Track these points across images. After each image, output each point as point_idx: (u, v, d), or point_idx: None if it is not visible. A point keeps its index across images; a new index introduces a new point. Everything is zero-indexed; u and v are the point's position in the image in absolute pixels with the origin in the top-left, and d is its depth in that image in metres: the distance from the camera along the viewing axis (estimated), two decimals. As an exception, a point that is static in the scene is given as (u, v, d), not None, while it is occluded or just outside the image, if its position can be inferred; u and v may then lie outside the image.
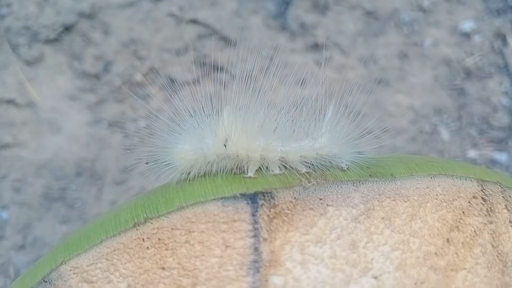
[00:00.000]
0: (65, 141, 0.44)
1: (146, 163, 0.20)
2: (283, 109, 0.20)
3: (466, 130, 0.46)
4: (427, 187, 0.18)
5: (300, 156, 0.19)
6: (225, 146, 0.19)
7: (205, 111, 0.19)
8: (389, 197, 0.18)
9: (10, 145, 0.44)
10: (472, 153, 0.45)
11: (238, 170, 0.19)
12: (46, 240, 0.43)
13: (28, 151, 0.44)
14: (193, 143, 0.19)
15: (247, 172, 0.19)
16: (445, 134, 0.45)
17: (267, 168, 0.19)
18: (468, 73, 0.47)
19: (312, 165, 0.19)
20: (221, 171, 0.19)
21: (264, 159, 0.19)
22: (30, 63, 0.45)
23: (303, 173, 0.18)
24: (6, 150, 0.44)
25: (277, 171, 0.18)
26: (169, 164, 0.19)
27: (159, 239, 0.17)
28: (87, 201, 0.43)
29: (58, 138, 0.44)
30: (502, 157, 0.45)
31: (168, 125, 0.20)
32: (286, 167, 0.19)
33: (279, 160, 0.19)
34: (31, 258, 0.42)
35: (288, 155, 0.19)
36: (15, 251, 0.43)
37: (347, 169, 0.19)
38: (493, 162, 0.44)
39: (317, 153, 0.19)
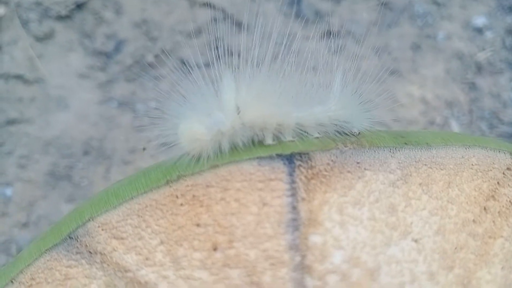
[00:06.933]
0: (73, 119, 0.43)
1: (144, 149, 0.19)
2: (296, 77, 0.19)
3: (477, 124, 0.46)
4: (462, 156, 0.18)
5: (315, 121, 0.18)
6: (239, 115, 0.18)
7: (207, 84, 0.18)
8: (425, 164, 0.17)
9: (17, 121, 0.43)
10: (481, 147, 0.45)
11: (251, 143, 0.18)
12: (50, 218, 0.42)
13: (35, 128, 0.43)
14: (204, 120, 0.17)
15: (265, 141, 0.18)
16: (455, 127, 0.45)
17: (279, 137, 0.18)
18: (479, 68, 0.47)
19: (327, 132, 0.18)
20: (235, 146, 0.18)
21: (279, 125, 0.18)
22: (40, 39, 0.45)
23: (339, 138, 0.18)
24: (12, 126, 0.43)
25: (290, 139, 0.18)
26: (179, 146, 0.18)
27: (193, 196, 0.16)
28: (94, 180, 0.42)
29: (66, 115, 0.43)
30: (511, 151, 0.45)
31: (173, 105, 0.18)
32: (301, 134, 0.18)
33: (295, 125, 0.18)
34: (35, 237, 0.41)
35: (303, 121, 0.18)
36: (18, 229, 0.42)
37: (358, 134, 0.18)
38: (502, 156, 0.44)
39: (329, 117, 0.18)
